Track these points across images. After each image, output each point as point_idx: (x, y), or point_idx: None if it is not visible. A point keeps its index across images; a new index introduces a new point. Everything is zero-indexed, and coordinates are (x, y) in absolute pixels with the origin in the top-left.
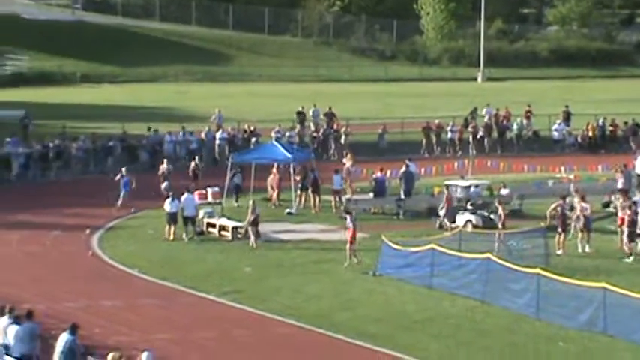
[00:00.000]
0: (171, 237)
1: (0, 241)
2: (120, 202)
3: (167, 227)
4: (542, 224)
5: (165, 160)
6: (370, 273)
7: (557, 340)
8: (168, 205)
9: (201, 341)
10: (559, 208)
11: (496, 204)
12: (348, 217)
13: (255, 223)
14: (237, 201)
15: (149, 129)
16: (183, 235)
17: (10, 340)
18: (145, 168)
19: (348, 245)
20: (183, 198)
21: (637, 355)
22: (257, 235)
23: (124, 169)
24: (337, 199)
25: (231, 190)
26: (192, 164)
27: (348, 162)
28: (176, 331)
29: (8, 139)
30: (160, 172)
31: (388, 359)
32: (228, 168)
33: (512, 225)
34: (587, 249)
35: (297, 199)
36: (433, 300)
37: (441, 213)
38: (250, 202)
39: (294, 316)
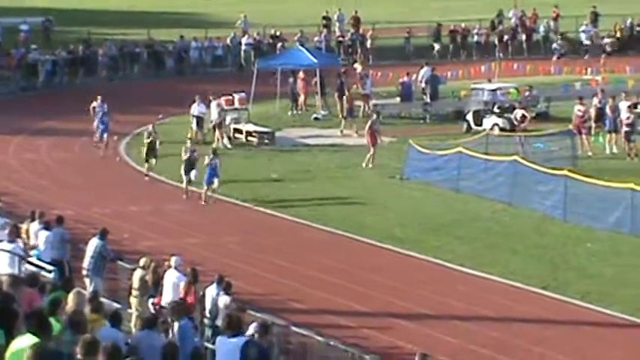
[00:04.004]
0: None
1: (29, 148)
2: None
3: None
4: (570, 126)
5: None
6: (397, 177)
7: (584, 241)
8: (195, 109)
9: (229, 246)
10: (578, 110)
11: (516, 106)
12: None
13: (220, 126)
14: (294, 109)
15: (121, 48)
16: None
17: (41, 245)
18: (171, 74)
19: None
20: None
21: None
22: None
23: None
24: (366, 104)
25: (289, 95)
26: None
27: (358, 67)
28: (204, 236)
29: (34, 46)
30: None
31: (416, 262)
32: (255, 74)
33: (540, 127)
34: (614, 150)
35: (321, 104)
36: (460, 203)
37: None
38: (213, 104)
39: (322, 221)
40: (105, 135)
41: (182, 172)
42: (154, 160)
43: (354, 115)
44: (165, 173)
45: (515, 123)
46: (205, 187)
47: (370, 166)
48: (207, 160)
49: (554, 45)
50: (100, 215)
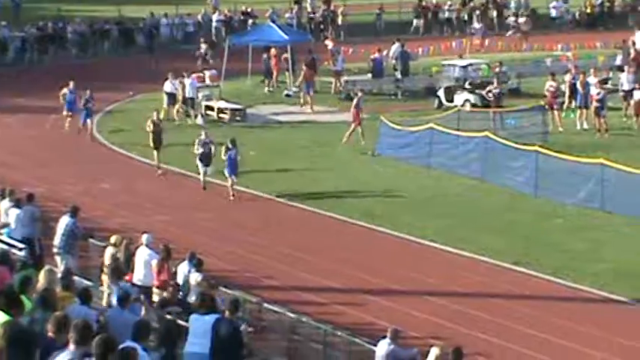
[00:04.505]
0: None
1: None
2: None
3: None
4: (542, 102)
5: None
6: (369, 153)
7: (555, 216)
8: (167, 86)
9: (200, 223)
10: (550, 86)
11: (494, 82)
12: None
13: (184, 102)
14: (267, 85)
15: (91, 25)
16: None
17: (11, 223)
18: (141, 51)
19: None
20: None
21: (635, 229)
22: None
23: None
24: (337, 80)
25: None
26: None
27: (330, 43)
28: (176, 213)
29: (3, 23)
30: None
31: (387, 238)
32: (225, 50)
33: (511, 103)
34: (585, 126)
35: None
36: (432, 179)
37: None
38: (187, 81)
39: (294, 198)
40: (88, 120)
41: (198, 163)
42: (155, 152)
43: (310, 90)
44: (136, 150)
45: (492, 99)
46: (230, 181)
47: (363, 142)
48: (223, 152)
49: (475, 25)
50: (72, 193)
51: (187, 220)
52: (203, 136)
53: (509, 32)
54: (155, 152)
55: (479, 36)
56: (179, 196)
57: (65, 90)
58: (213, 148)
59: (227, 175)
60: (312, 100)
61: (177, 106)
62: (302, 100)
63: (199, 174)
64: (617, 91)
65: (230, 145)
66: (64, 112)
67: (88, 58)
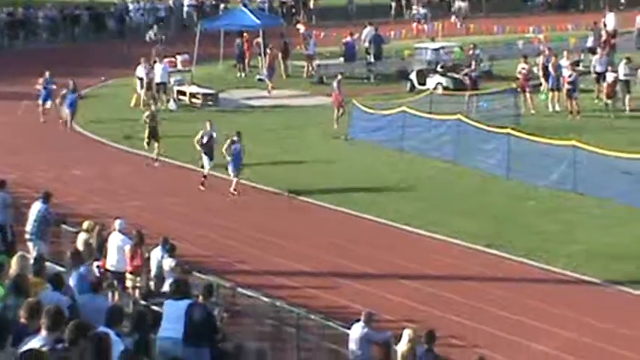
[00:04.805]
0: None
1: None
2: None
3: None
4: (514, 85)
5: None
6: (342, 137)
7: (528, 199)
8: (140, 71)
9: (172, 207)
10: (522, 69)
11: (472, 66)
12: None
13: (149, 88)
14: (242, 70)
15: (62, 10)
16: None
17: None
18: (112, 36)
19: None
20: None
21: (606, 211)
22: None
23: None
24: (310, 64)
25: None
26: None
27: (301, 27)
28: (149, 199)
29: None
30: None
31: (360, 222)
32: (197, 35)
33: (483, 86)
34: (557, 108)
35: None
36: (404, 163)
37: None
38: (159, 67)
39: (266, 182)
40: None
41: (203, 156)
42: (156, 144)
43: (271, 75)
44: (108, 137)
45: (468, 82)
46: (232, 176)
47: (336, 126)
48: (225, 146)
49: (415, 10)
50: (44, 179)
51: (160, 206)
52: (208, 126)
53: (453, 17)
54: (154, 144)
55: (423, 21)
56: (153, 182)
57: (41, 80)
58: (214, 140)
59: (230, 170)
60: (272, 83)
61: (142, 93)
62: (269, 87)
63: (201, 167)
64: (589, 74)
65: (235, 138)
66: (40, 104)
67: (59, 43)
